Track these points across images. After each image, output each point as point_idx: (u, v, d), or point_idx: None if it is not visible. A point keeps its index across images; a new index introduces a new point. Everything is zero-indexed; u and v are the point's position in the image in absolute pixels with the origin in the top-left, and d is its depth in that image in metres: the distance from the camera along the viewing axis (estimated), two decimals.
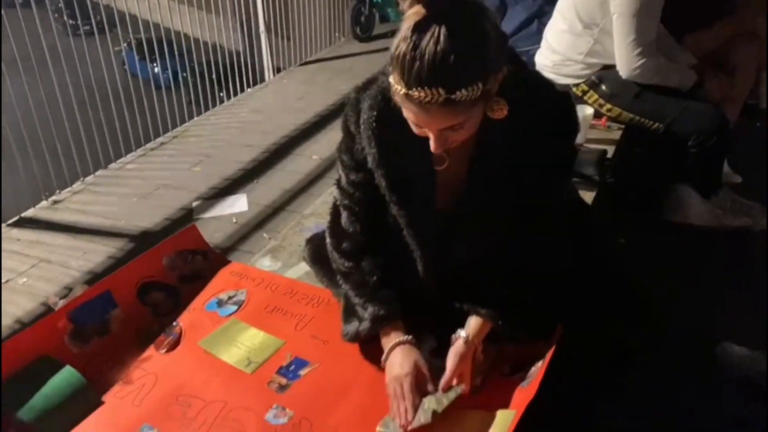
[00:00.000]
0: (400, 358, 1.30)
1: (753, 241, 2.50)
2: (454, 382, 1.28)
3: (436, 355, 1.34)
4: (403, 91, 1.08)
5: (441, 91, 1.05)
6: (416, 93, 1.06)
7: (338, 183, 1.45)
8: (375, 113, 1.26)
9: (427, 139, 1.17)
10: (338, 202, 1.47)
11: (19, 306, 2.25)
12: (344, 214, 1.45)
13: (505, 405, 1.26)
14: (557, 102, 1.28)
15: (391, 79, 1.11)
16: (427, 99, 1.06)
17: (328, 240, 1.50)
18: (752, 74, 2.71)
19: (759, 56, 2.66)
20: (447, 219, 1.35)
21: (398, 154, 1.29)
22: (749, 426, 1.77)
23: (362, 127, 1.30)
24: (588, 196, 2.00)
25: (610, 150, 2.32)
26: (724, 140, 2.39)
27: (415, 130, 1.17)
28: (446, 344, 1.32)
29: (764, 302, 2.11)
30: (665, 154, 2.56)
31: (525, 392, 1.24)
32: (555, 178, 1.34)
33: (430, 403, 1.26)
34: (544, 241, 1.34)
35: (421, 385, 1.28)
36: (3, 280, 2.37)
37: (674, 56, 2.43)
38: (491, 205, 1.30)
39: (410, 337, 1.33)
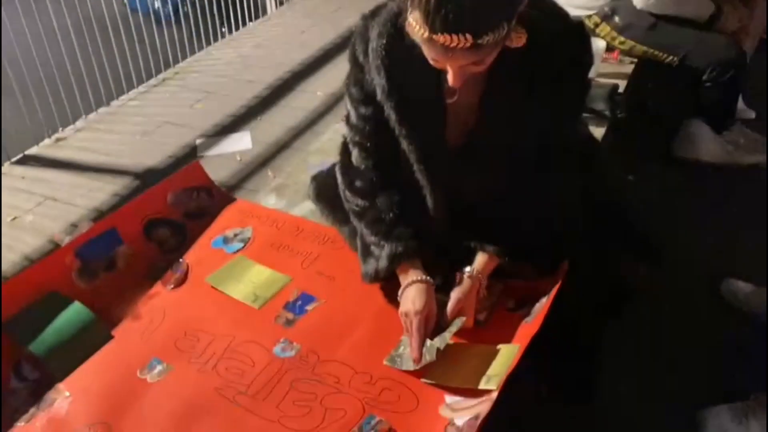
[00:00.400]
0: (413, 294, 1.28)
1: (763, 178, 2.47)
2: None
3: (440, 291, 1.35)
4: (426, 34, 1.04)
5: (468, 36, 1.01)
6: (441, 38, 1.02)
7: (347, 119, 1.41)
8: (384, 41, 1.22)
9: (440, 70, 1.14)
10: (348, 140, 1.43)
11: (27, 243, 2.26)
12: (355, 151, 1.41)
13: (509, 340, 1.27)
14: (572, 34, 1.24)
15: (411, 20, 1.06)
16: (453, 44, 1.02)
17: (339, 180, 1.46)
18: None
19: None
20: (457, 153, 1.32)
21: (408, 85, 1.25)
22: (752, 361, 1.79)
23: (371, 56, 1.25)
24: (598, 131, 1.97)
25: (622, 84, 2.27)
26: (741, 73, 2.32)
27: (432, 63, 1.14)
28: (452, 281, 1.32)
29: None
30: (679, 88, 2.49)
31: (529, 327, 1.25)
32: (567, 112, 1.31)
33: (434, 343, 1.27)
34: (553, 177, 1.32)
35: (430, 325, 1.28)
36: (9, 218, 2.37)
37: None
38: (502, 139, 1.27)
39: (428, 277, 1.31)
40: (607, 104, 2.07)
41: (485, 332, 1.31)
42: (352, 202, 1.42)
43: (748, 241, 2.18)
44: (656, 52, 2.36)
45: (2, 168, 2.70)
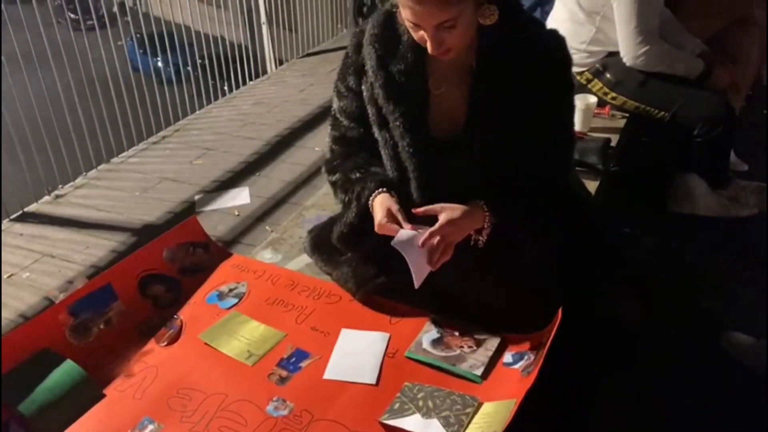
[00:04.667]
0: (377, 208, 1.39)
1: (759, 229, 2.48)
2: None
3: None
4: None
5: None
6: None
7: (332, 116, 1.59)
8: (376, 31, 1.39)
9: (422, 58, 1.34)
10: (330, 140, 1.60)
11: (22, 301, 2.25)
12: (337, 147, 1.57)
13: (506, 395, 1.25)
14: (549, 37, 1.38)
15: None
16: None
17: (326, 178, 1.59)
18: (756, 62, 2.67)
19: (761, 43, 2.63)
20: (447, 146, 1.41)
21: (396, 68, 1.38)
22: (753, 414, 1.76)
23: (364, 44, 1.41)
24: (591, 186, 1.98)
25: (614, 139, 2.30)
26: (731, 129, 2.36)
27: (413, 34, 1.30)
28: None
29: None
30: (671, 143, 2.53)
31: (525, 381, 1.23)
32: (555, 111, 1.40)
33: None
34: (541, 186, 1.41)
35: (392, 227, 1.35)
36: (6, 275, 2.37)
37: (682, 43, 2.40)
38: (489, 136, 1.37)
39: (386, 189, 1.41)
40: (600, 158, 2.09)
41: (483, 389, 1.29)
42: (331, 179, 1.56)
43: (748, 292, 2.18)
44: (647, 108, 2.40)
45: (1, 225, 2.71)
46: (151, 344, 1.48)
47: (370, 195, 1.42)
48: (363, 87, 1.45)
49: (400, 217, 1.35)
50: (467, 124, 1.38)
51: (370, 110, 1.46)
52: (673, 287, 2.14)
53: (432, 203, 1.41)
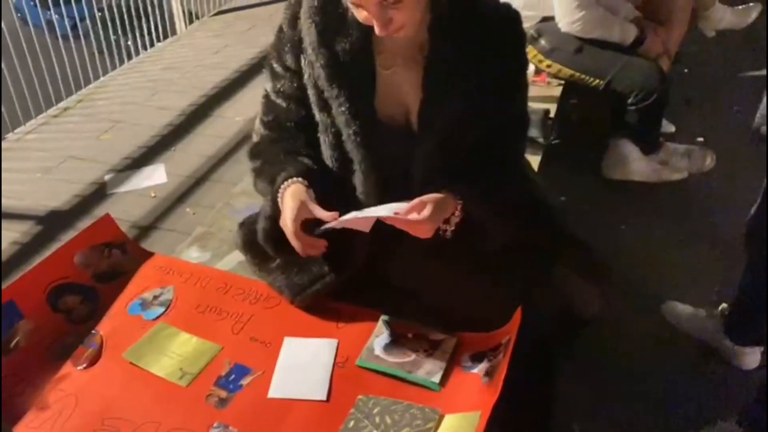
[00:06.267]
0: (288, 200, 1.25)
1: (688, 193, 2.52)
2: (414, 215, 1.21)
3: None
4: None
5: None
6: None
7: (264, 99, 1.40)
8: (315, 1, 1.25)
9: (368, 35, 1.21)
10: (259, 124, 1.41)
11: None
12: (267, 134, 1.39)
13: (469, 405, 1.18)
14: (504, 11, 1.29)
15: None
16: None
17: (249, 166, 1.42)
18: (685, 24, 2.67)
19: (689, 3, 2.62)
20: (396, 135, 1.30)
21: (340, 47, 1.25)
22: (693, 383, 1.79)
23: (302, 18, 1.26)
24: (534, 161, 1.92)
25: (552, 108, 2.24)
26: (664, 96, 2.37)
27: (357, 14, 1.17)
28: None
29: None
30: (604, 109, 2.52)
31: (489, 391, 1.16)
32: (512, 90, 1.33)
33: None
34: (498, 174, 1.33)
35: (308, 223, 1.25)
36: None
37: (615, 8, 2.36)
38: (448, 120, 1.27)
39: (300, 178, 1.27)
40: (540, 131, 2.03)
41: (443, 397, 1.21)
42: (252, 165, 1.40)
43: (683, 258, 2.21)
44: (582, 76, 2.37)
45: None
46: (67, 367, 1.30)
47: (284, 181, 1.26)
48: (303, 65, 1.30)
49: (316, 212, 1.22)
50: (422, 108, 1.26)
51: (311, 92, 1.31)
52: (613, 258, 2.14)
53: (379, 198, 1.29)
